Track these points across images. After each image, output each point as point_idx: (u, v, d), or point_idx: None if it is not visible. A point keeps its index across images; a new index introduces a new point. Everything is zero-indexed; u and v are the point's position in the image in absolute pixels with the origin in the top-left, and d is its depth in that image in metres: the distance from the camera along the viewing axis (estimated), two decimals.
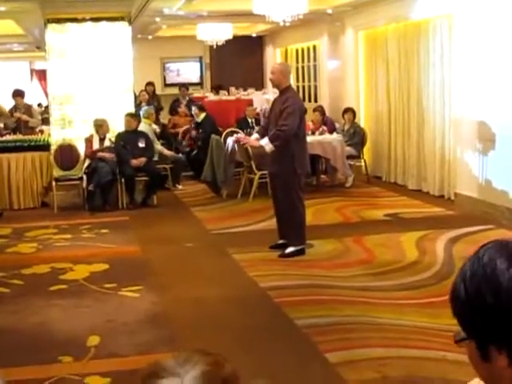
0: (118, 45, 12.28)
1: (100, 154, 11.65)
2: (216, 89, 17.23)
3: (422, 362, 5.16)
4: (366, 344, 5.52)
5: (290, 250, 8.25)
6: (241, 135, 11.32)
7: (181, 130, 15.31)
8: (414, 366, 5.13)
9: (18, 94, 13.64)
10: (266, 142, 8.09)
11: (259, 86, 18.17)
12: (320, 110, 13.96)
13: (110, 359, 5.48)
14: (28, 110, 13.74)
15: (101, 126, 11.85)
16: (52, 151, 12.11)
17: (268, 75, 9.09)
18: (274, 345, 5.67)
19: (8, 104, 14.25)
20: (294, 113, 7.95)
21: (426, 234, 9.07)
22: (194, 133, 14.34)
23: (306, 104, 16.17)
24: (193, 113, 14.53)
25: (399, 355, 5.30)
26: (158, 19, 15.42)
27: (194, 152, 14.14)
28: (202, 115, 14.24)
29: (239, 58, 20.15)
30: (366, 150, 13.78)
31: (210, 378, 1.22)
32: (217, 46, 16.83)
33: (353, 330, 5.86)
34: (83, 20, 12.14)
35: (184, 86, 17.40)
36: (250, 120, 14.08)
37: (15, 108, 13.62)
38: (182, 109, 16.08)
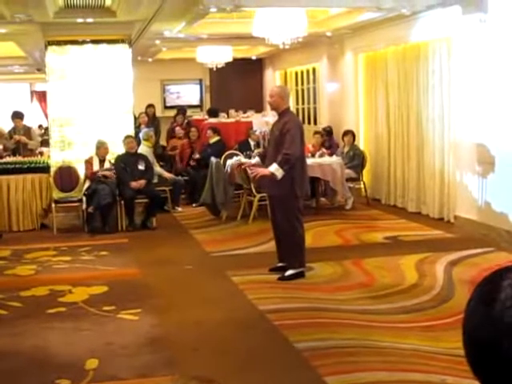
0: (119, 67, 12.32)
1: (101, 173, 11.65)
2: (211, 113, 17.08)
3: None
4: (366, 368, 5.49)
5: (289, 272, 8.22)
6: (250, 166, 11.16)
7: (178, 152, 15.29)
8: None
9: (16, 116, 13.65)
10: (275, 168, 7.96)
11: (259, 108, 18.19)
12: (328, 130, 14.12)
13: (109, 382, 5.44)
14: (27, 132, 13.74)
15: (98, 148, 11.86)
16: (52, 173, 12.12)
17: (267, 98, 9.01)
18: (274, 368, 5.64)
19: (8, 126, 14.27)
20: (297, 135, 7.97)
21: (426, 257, 9.06)
22: (196, 156, 14.37)
23: (306, 127, 16.20)
24: (207, 134, 14.54)
25: (399, 379, 5.26)
26: (158, 42, 15.48)
27: (194, 164, 14.16)
28: (216, 138, 14.29)
29: (239, 81, 20.22)
30: (365, 172, 13.79)
31: None
32: (217, 68, 16.88)
33: (353, 354, 5.83)
34: (83, 42, 12.18)
35: (180, 112, 17.35)
36: (252, 143, 14.12)
37: (14, 130, 13.63)
38: (178, 129, 16.10)
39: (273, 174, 7.97)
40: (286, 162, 7.93)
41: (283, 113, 8.19)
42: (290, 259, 8.29)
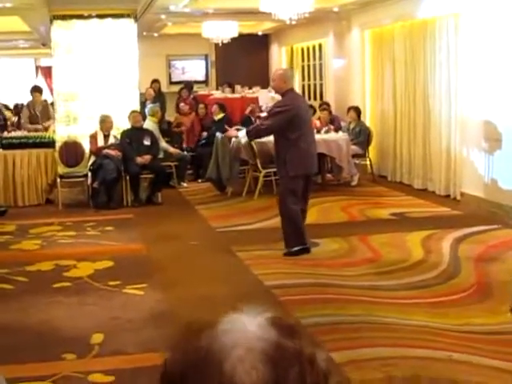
0: (124, 42, 12.26)
1: (106, 151, 11.62)
2: (224, 85, 17.09)
3: (428, 362, 5.12)
4: (371, 343, 5.48)
5: (295, 248, 8.22)
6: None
7: (184, 128, 15.24)
8: (419, 366, 5.08)
9: (36, 90, 13.65)
10: (242, 135, 8.83)
11: (264, 84, 18.10)
12: (326, 107, 14.00)
13: (114, 357, 5.45)
14: (45, 108, 13.74)
15: (103, 122, 11.81)
16: (57, 148, 12.10)
17: (272, 75, 9.20)
18: None
19: (17, 100, 14.23)
20: (279, 114, 8.09)
21: (432, 234, 9.03)
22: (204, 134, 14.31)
23: (312, 102, 16.18)
24: (213, 110, 14.46)
25: (405, 355, 5.26)
26: (163, 16, 15.38)
27: (203, 142, 14.10)
28: (221, 115, 14.23)
29: (245, 56, 20.11)
30: (371, 148, 13.73)
31: (278, 323, 1.18)
32: (222, 43, 16.79)
33: (358, 330, 5.83)
34: (89, 17, 12.12)
35: (186, 87, 17.29)
36: (252, 118, 14.04)
37: (33, 106, 13.58)
38: (182, 105, 16.06)
39: (237, 137, 9.31)
40: (253, 131, 8.61)
41: (284, 94, 8.28)
42: (287, 238, 8.28)
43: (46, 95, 23.27)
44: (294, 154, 8.04)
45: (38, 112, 13.51)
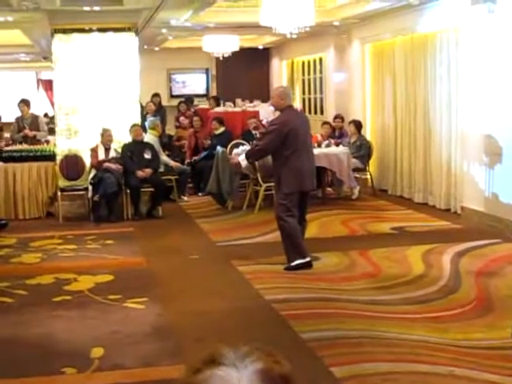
0: (125, 55, 12.27)
1: (106, 165, 11.62)
2: (213, 99, 17.10)
3: (430, 377, 5.10)
4: (372, 358, 5.47)
5: (295, 262, 8.21)
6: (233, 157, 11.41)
7: (185, 142, 15.25)
8: (421, 381, 5.07)
9: (23, 102, 13.60)
10: (242, 159, 9.21)
11: (265, 97, 18.13)
12: (340, 118, 14.22)
13: (114, 371, 5.43)
14: (35, 120, 13.69)
15: (102, 135, 11.82)
16: (58, 161, 12.10)
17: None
18: None
19: (15, 114, 14.21)
20: (273, 132, 8.24)
21: (433, 248, 9.03)
22: (207, 142, 14.28)
23: (312, 117, 16.21)
24: (213, 126, 14.46)
25: (406, 370, 5.24)
26: (164, 30, 15.42)
27: (204, 154, 14.08)
28: (221, 129, 14.24)
29: (245, 70, 20.17)
30: (372, 162, 13.74)
31: (269, 377, 1.17)
32: (223, 57, 16.82)
33: (359, 345, 5.81)
34: (90, 30, 12.14)
35: (185, 102, 17.32)
36: (253, 132, 14.04)
37: (22, 119, 13.56)
38: (182, 119, 16.09)
39: (239, 163, 9.52)
40: (252, 153, 8.83)
41: (282, 111, 8.42)
42: (287, 252, 8.30)
43: (46, 108, 23.47)
44: (287, 171, 8.12)
45: (27, 125, 13.46)
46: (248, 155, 8.89)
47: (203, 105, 18.32)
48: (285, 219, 8.14)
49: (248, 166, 9.35)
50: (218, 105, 16.58)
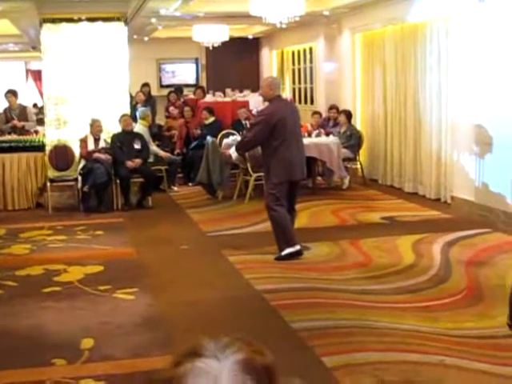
0: (114, 45, 12.21)
1: (96, 155, 11.58)
2: (200, 90, 17.05)
3: (420, 367, 5.10)
4: (363, 348, 5.47)
5: (285, 252, 8.20)
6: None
7: (175, 132, 15.22)
8: (411, 370, 5.06)
9: (10, 92, 13.48)
10: (232, 151, 9.54)
11: (255, 87, 18.08)
12: (335, 108, 14.16)
13: (104, 362, 5.41)
14: (23, 111, 13.59)
15: (91, 126, 11.77)
16: (47, 152, 12.05)
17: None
18: (270, 349, 5.54)
19: (2, 104, 14.11)
20: (260, 123, 8.28)
21: (423, 238, 9.04)
22: (197, 132, 14.23)
23: (302, 106, 16.20)
24: (203, 115, 14.43)
25: (397, 359, 5.24)
26: (154, 20, 15.36)
27: (195, 144, 14.04)
28: (211, 119, 14.22)
29: (235, 60, 20.11)
30: (362, 152, 13.74)
31: (250, 367, 1.17)
32: (213, 47, 16.77)
33: (350, 334, 5.81)
34: (79, 20, 12.07)
35: (174, 91, 17.27)
36: (243, 122, 14.02)
37: (9, 109, 13.46)
38: (172, 109, 16.04)
39: (230, 155, 9.89)
40: (241, 145, 8.98)
41: (271, 101, 8.43)
42: (277, 241, 8.30)
43: (35, 98, 23.37)
44: (276, 162, 8.13)
45: (15, 116, 13.36)
46: (238, 147, 9.00)
47: (191, 95, 18.25)
48: (274, 208, 8.15)
49: (239, 157, 9.40)
50: (205, 95, 16.53)
